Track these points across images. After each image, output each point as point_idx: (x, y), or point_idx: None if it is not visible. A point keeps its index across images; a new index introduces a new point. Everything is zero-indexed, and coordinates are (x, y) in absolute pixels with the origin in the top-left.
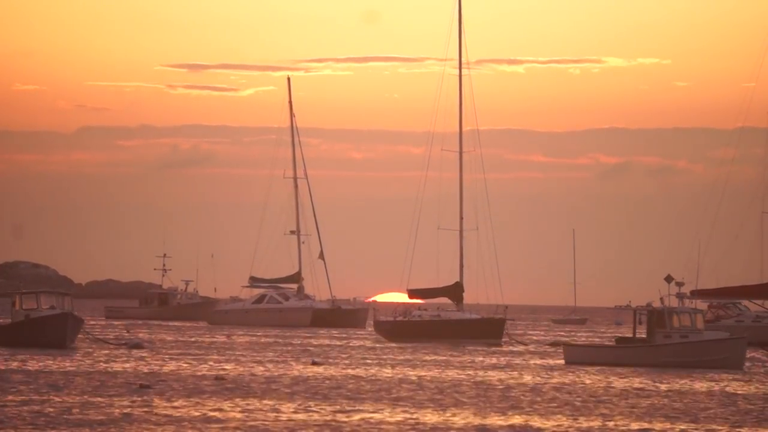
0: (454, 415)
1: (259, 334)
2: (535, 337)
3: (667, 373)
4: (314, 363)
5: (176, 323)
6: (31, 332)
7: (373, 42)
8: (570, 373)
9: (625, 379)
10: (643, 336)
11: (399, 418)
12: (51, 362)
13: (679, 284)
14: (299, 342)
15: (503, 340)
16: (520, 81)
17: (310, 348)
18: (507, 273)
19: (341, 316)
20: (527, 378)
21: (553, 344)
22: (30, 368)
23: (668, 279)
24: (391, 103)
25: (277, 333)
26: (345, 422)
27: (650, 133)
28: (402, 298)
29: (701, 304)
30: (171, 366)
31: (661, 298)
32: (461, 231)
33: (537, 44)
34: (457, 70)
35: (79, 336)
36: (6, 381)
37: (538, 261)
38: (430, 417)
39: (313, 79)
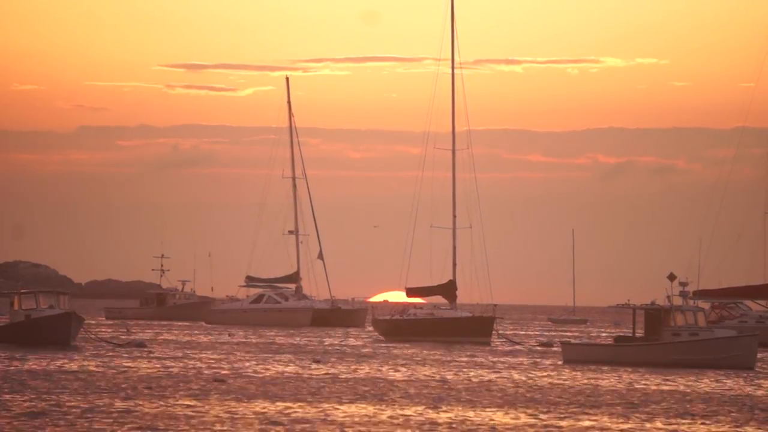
0: (449, 412)
1: (258, 333)
2: (527, 336)
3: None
4: (316, 362)
5: (174, 323)
6: (34, 332)
7: (372, 42)
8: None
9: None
10: (641, 335)
11: (406, 416)
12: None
13: (683, 284)
14: (300, 341)
15: (493, 338)
16: (519, 81)
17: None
18: (506, 273)
19: (341, 316)
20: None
21: (545, 344)
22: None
23: (671, 277)
24: (390, 102)
25: (277, 332)
26: (348, 420)
27: (649, 132)
28: (401, 297)
29: (703, 304)
30: (171, 367)
31: (668, 296)
32: (454, 229)
33: (535, 44)
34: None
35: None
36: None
37: (537, 261)
38: (437, 415)
39: (311, 79)
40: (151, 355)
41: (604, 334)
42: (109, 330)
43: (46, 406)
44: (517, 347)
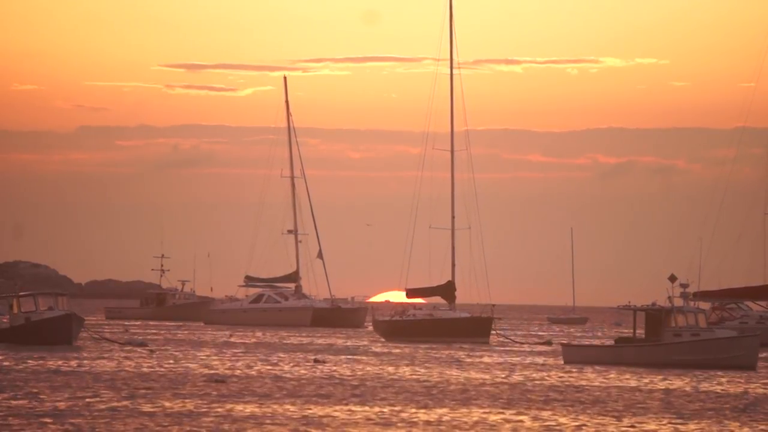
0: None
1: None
2: (527, 336)
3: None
4: (316, 361)
5: (173, 323)
6: (35, 334)
7: (371, 42)
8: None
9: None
10: (642, 336)
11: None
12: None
13: (684, 285)
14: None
15: (491, 338)
16: (518, 81)
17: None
18: (506, 273)
19: (341, 315)
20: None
21: (545, 343)
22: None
23: (672, 278)
24: (389, 102)
25: (277, 332)
26: (344, 420)
27: (649, 132)
28: (402, 297)
29: (703, 305)
30: (170, 366)
31: (669, 297)
32: (453, 230)
33: (535, 44)
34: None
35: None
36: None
37: (537, 261)
38: (449, 415)
39: (311, 79)
40: (152, 354)
41: (599, 334)
42: (109, 330)
43: (45, 405)
44: (517, 347)
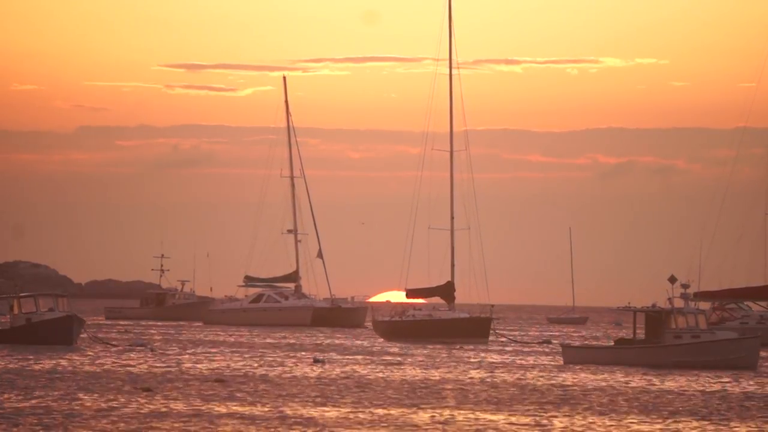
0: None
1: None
2: (526, 336)
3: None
4: (316, 361)
5: (173, 323)
6: (37, 335)
7: (371, 42)
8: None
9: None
10: (642, 337)
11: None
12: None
13: (685, 285)
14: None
15: (491, 338)
16: (518, 81)
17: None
18: (505, 273)
19: (341, 315)
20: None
21: (544, 342)
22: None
23: (672, 279)
24: (389, 102)
25: (276, 332)
26: (341, 421)
27: (648, 133)
28: (402, 297)
29: (704, 305)
30: (172, 366)
31: (669, 299)
32: (452, 230)
33: (535, 44)
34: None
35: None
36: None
37: (537, 261)
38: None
39: (310, 79)
40: (151, 354)
41: (597, 334)
42: (109, 330)
43: (41, 404)
44: (515, 347)
